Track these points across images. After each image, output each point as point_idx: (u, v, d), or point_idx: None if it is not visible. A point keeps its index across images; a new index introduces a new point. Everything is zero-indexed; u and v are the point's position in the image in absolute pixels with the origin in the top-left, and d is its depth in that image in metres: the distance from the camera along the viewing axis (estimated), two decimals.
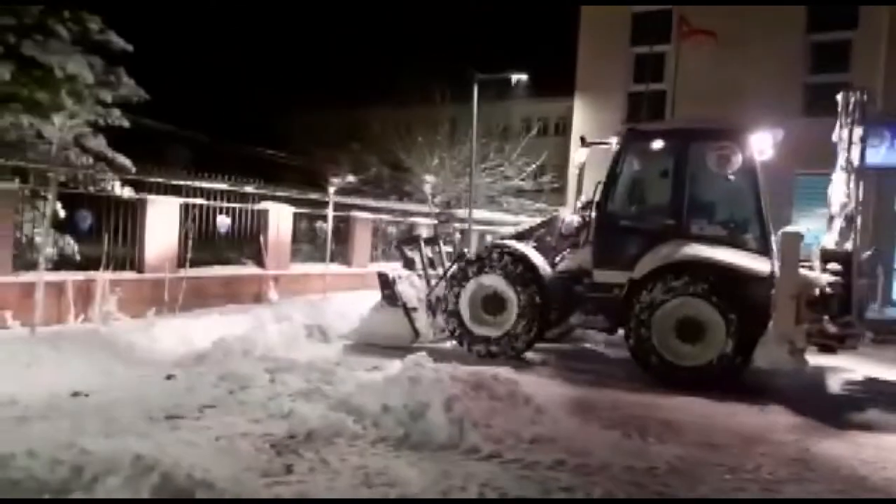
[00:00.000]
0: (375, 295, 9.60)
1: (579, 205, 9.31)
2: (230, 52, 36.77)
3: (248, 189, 12.09)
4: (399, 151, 21.65)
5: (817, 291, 7.12)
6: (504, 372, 6.30)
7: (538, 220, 9.93)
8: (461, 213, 17.86)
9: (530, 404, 5.81)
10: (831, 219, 7.66)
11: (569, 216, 9.20)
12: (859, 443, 5.87)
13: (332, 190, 12.83)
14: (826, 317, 7.20)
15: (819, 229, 8.28)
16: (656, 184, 8.66)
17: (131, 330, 8.23)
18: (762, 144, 8.01)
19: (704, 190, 8.21)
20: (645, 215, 8.55)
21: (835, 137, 7.78)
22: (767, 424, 6.35)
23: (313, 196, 13.37)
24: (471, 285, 8.69)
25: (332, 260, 13.30)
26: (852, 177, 7.59)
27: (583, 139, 9.76)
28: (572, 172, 9.84)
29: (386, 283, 9.25)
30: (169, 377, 6.78)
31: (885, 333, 12.03)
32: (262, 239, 12.17)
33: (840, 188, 7.64)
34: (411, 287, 9.39)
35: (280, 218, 12.52)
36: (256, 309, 10.24)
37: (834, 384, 8.43)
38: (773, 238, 7.71)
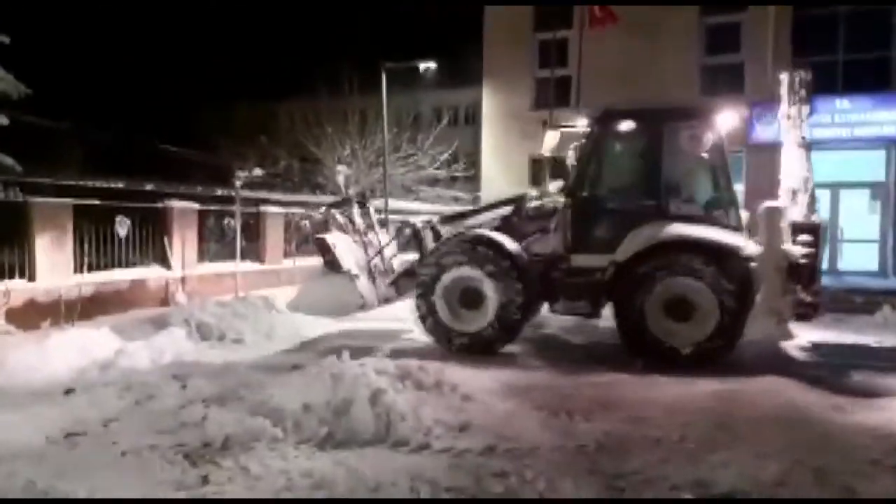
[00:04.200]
0: (291, 292, 9.25)
1: (553, 189, 8.94)
2: (130, 45, 34.59)
3: (149, 187, 11.43)
4: (309, 143, 21.08)
5: (794, 263, 7.40)
6: (431, 361, 6.17)
7: (500, 199, 9.15)
8: (378, 203, 17.58)
9: (457, 392, 5.70)
10: (794, 193, 7.85)
11: (536, 199, 8.90)
12: (794, 401, 6.11)
13: (238, 184, 12.29)
14: (799, 287, 7.50)
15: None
16: (631, 165, 8.54)
17: (23, 343, 7.58)
18: (728, 123, 8.14)
19: (678, 170, 8.21)
20: (623, 197, 8.31)
21: (781, 115, 7.98)
22: (688, 394, 6.49)
23: (220, 192, 12.78)
24: (445, 280, 8.15)
25: (242, 258, 12.77)
26: (805, 152, 7.88)
27: (545, 122, 9.51)
28: (546, 156, 9.26)
29: (326, 248, 8.67)
30: (68, 392, 6.25)
31: None
32: (166, 239, 11.53)
33: (798, 164, 7.87)
34: (349, 252, 8.81)
35: (185, 216, 11.90)
36: (164, 313, 9.68)
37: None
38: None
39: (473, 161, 25.02)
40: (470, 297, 8.18)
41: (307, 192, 17.34)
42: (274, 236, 14.21)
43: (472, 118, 29.92)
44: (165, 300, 11.16)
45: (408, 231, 9.15)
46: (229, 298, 10.37)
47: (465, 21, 18.83)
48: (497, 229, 8.50)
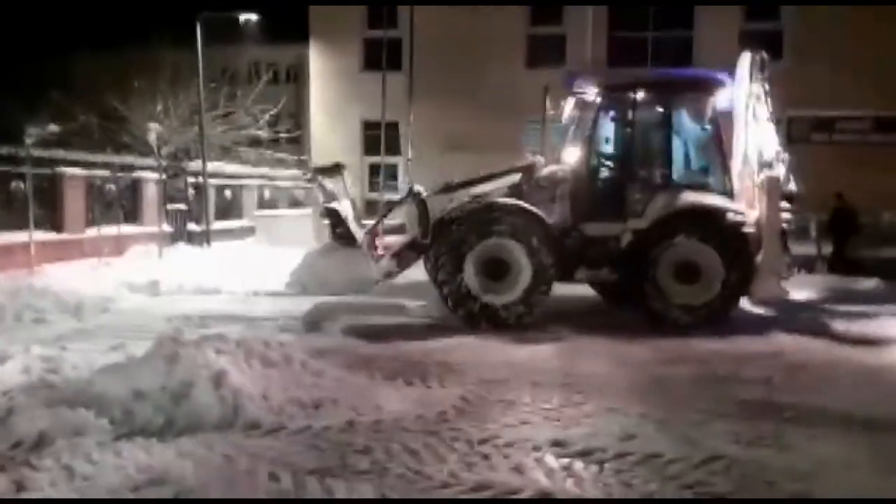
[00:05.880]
0: (97, 264, 8.22)
1: (568, 157, 8.82)
2: None
3: None
4: (114, 99, 18.88)
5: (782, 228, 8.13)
6: (275, 336, 5.78)
7: (507, 168, 8.69)
8: (193, 165, 16.25)
9: (308, 367, 5.38)
10: (769, 165, 8.34)
11: (548, 167, 8.65)
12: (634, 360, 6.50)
13: (29, 142, 10.68)
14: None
15: None
16: (644, 134, 8.62)
17: None
18: (724, 93, 8.53)
19: (686, 139, 8.58)
20: (635, 166, 8.49)
21: (743, 94, 8.53)
22: (533, 354, 6.71)
23: (3, 150, 11.01)
24: (474, 251, 7.78)
25: (37, 226, 11.18)
26: (774, 126, 8.52)
27: (546, 88, 9.31)
28: (550, 122, 9.40)
29: (339, 219, 7.97)
30: None
31: None
32: None
33: (771, 137, 8.46)
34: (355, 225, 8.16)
35: None
36: None
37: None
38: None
39: (297, 122, 23.99)
40: (496, 269, 7.88)
41: (111, 151, 15.50)
42: (74, 202, 12.58)
43: (294, 77, 28.64)
44: None
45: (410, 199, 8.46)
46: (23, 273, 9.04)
47: None
48: (506, 197, 8.29)
